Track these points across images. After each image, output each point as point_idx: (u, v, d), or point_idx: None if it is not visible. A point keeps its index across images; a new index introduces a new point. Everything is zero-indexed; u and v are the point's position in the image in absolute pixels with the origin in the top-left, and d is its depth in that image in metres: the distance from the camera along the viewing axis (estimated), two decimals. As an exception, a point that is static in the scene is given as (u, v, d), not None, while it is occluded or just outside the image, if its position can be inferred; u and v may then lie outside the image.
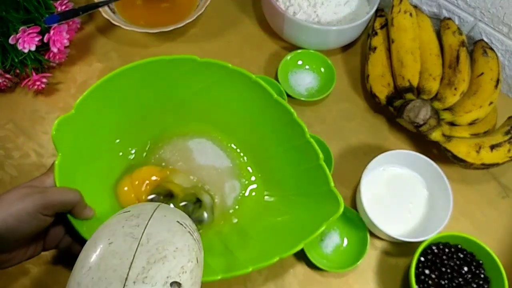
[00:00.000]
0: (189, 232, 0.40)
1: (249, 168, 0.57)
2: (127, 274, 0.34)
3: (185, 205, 0.53)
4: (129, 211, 0.41)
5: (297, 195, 0.53)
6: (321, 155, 0.50)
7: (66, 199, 0.43)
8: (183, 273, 0.36)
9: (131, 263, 0.35)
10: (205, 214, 0.53)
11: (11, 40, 0.57)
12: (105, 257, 0.35)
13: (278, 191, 0.55)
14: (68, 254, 0.47)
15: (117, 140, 0.54)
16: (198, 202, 0.53)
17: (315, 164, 0.50)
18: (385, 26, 0.68)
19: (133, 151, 0.56)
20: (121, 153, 0.55)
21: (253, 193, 0.56)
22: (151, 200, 0.52)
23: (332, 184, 0.49)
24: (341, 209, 0.47)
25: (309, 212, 0.51)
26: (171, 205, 0.52)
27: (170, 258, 0.36)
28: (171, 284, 0.35)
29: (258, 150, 0.56)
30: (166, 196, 0.53)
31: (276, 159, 0.55)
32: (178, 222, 0.40)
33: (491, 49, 0.64)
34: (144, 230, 0.37)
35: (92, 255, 0.36)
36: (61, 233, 0.47)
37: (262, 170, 0.57)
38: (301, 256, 0.55)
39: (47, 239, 0.46)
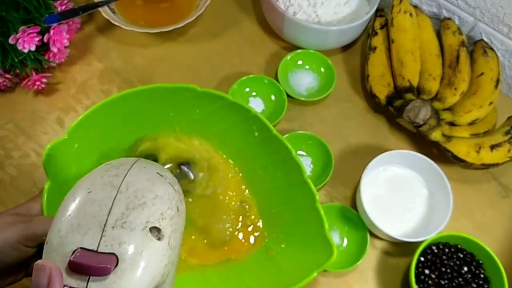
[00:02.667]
0: (169, 183, 0.40)
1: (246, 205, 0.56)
2: (106, 220, 0.34)
3: (169, 167, 0.53)
4: (109, 164, 0.41)
5: (289, 234, 0.52)
6: (317, 197, 0.49)
7: None
8: (162, 219, 0.36)
9: (110, 210, 0.35)
10: (190, 173, 0.52)
11: (11, 40, 0.57)
12: (83, 205, 0.36)
13: (271, 228, 0.54)
14: None
15: None
16: (183, 168, 0.53)
17: (311, 206, 0.49)
18: (385, 26, 0.68)
19: None
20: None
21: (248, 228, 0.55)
22: None
23: (327, 229, 0.47)
24: (334, 257, 0.46)
25: (300, 255, 0.50)
26: None
27: (149, 204, 0.36)
28: (150, 229, 0.35)
29: (255, 182, 0.55)
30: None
31: (272, 195, 0.54)
32: (158, 173, 0.40)
33: (491, 49, 0.64)
34: (123, 179, 0.37)
35: (72, 204, 0.36)
36: None
37: (258, 204, 0.55)
38: (301, 256, 0.55)
39: (30, 266, 0.44)
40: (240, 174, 0.56)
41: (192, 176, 0.53)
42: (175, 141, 0.55)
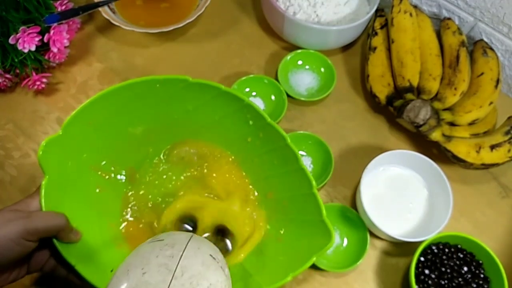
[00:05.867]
0: (221, 267, 0.39)
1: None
2: None
3: (207, 236, 0.52)
4: (162, 240, 0.40)
5: (288, 220, 0.52)
6: (313, 183, 0.49)
7: (51, 225, 0.42)
8: None
9: None
10: (229, 245, 0.51)
11: (11, 40, 0.57)
12: (137, 287, 0.35)
13: (269, 216, 0.54)
14: (52, 277, 0.46)
15: (103, 162, 0.53)
16: (221, 233, 0.52)
17: (308, 192, 0.49)
18: (385, 26, 0.68)
19: (123, 173, 0.55)
20: (112, 175, 0.54)
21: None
22: (176, 225, 0.52)
23: (325, 214, 0.48)
24: (333, 241, 0.46)
25: (299, 240, 0.50)
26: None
27: None
28: None
29: (252, 171, 0.55)
30: (190, 223, 0.52)
31: (270, 183, 0.54)
32: (211, 255, 0.39)
33: (491, 49, 0.64)
34: (178, 262, 0.36)
35: (124, 283, 0.35)
36: (45, 256, 0.46)
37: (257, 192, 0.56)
38: (301, 256, 0.55)
39: (31, 262, 0.45)
40: (233, 157, 0.56)
41: (230, 248, 0.52)
42: (213, 202, 0.55)
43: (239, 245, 0.53)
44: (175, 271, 0.36)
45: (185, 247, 0.38)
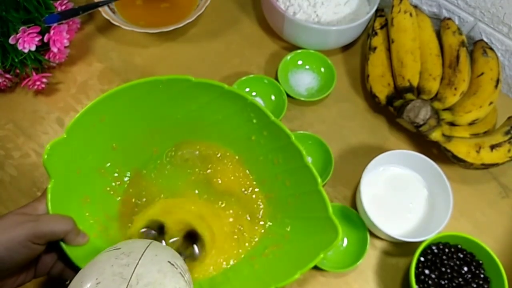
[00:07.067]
0: (180, 273, 0.39)
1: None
2: None
3: (175, 240, 0.51)
4: (119, 249, 0.40)
5: (293, 218, 0.52)
6: (319, 180, 0.49)
7: (58, 228, 0.42)
8: None
9: None
10: (197, 250, 0.51)
11: (11, 40, 0.57)
12: None
13: (275, 213, 0.54)
14: (59, 281, 0.46)
15: (108, 164, 0.53)
16: (191, 237, 0.52)
17: (313, 189, 0.49)
18: (385, 26, 0.68)
19: (128, 175, 0.55)
20: (116, 175, 0.54)
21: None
22: (143, 233, 0.51)
23: (331, 211, 0.48)
24: (340, 237, 0.46)
25: (306, 238, 0.50)
26: (163, 242, 0.50)
27: None
28: None
29: (257, 170, 0.55)
30: (157, 229, 0.52)
31: (274, 181, 0.54)
32: (169, 262, 0.39)
33: (491, 49, 0.64)
34: (134, 270, 0.36)
35: None
36: (53, 260, 0.46)
37: (261, 190, 0.56)
38: (301, 256, 0.55)
39: (38, 266, 0.45)
40: (237, 157, 0.56)
41: (197, 254, 0.51)
42: (183, 207, 0.54)
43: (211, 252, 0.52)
44: (130, 279, 0.36)
45: (142, 255, 0.38)
